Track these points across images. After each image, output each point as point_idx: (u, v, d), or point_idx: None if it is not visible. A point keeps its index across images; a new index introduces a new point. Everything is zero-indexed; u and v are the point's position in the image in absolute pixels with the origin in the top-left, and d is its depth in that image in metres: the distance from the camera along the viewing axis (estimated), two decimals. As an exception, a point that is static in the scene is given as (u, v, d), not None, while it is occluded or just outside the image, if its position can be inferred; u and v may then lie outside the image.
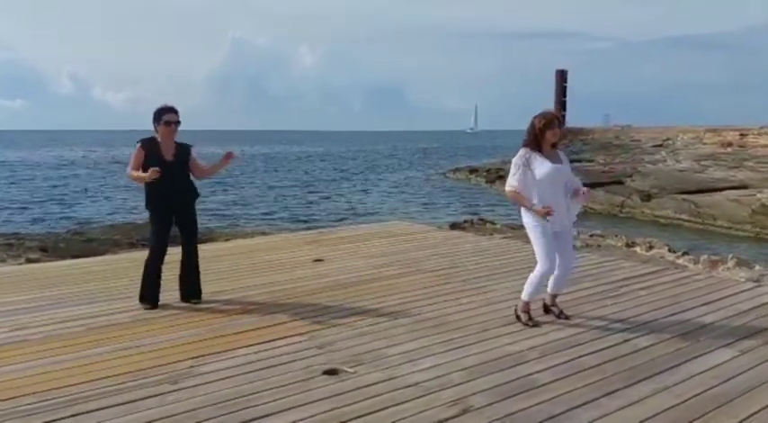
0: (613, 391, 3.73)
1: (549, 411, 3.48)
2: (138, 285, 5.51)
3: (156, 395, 3.69)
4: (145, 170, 5.20)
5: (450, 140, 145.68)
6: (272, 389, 3.78)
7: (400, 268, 6.91)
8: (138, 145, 5.37)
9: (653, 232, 15.99)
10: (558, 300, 5.31)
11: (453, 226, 15.04)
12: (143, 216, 5.49)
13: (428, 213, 23.03)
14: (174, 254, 5.63)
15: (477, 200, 27.28)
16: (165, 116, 5.35)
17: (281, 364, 4.16)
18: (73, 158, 65.26)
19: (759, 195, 18.12)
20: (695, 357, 4.28)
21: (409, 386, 3.80)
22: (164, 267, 5.54)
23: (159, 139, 5.40)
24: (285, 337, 4.68)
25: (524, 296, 5.03)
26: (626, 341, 4.59)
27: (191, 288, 5.61)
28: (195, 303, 5.52)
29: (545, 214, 4.70)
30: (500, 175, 32.94)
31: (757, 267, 9.55)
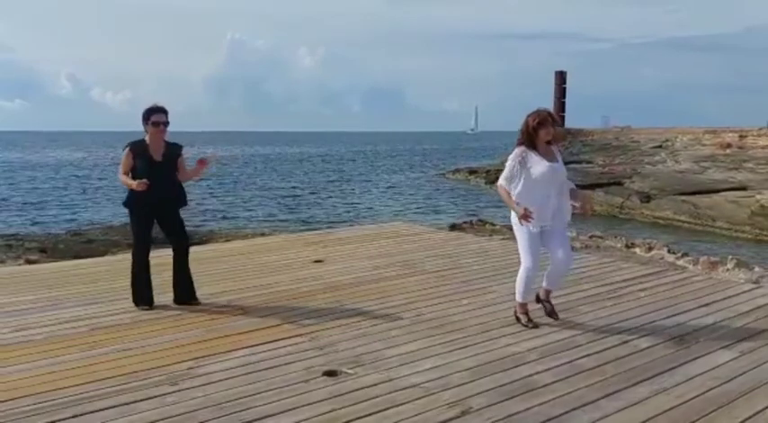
0: (613, 393, 3.74)
1: (548, 413, 3.48)
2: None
3: (155, 396, 3.70)
4: (134, 172, 5.29)
5: (451, 142, 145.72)
6: (271, 390, 3.78)
7: (400, 269, 6.92)
8: (127, 149, 5.39)
9: (652, 233, 16.00)
10: (558, 301, 5.31)
11: (453, 227, 15.04)
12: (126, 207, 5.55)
13: (428, 214, 23.04)
14: (166, 256, 5.64)
15: (477, 201, 27.27)
16: (154, 117, 5.33)
17: (280, 366, 4.17)
18: (72, 159, 65.24)
19: (758, 197, 18.11)
20: (695, 359, 4.29)
21: (409, 387, 3.81)
22: (161, 267, 5.54)
23: (148, 140, 5.39)
24: (285, 338, 4.68)
25: (517, 297, 5.03)
26: (625, 342, 4.60)
27: (184, 292, 5.56)
28: (194, 304, 5.51)
29: (522, 218, 4.70)
30: (499, 176, 32.92)
31: (756, 269, 9.55)
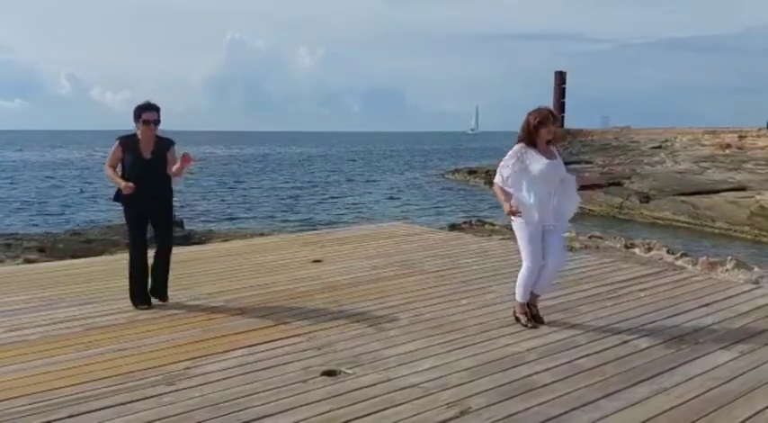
0: (612, 393, 3.72)
1: (548, 413, 3.46)
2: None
3: (152, 396, 3.67)
4: (122, 167, 5.30)
5: (452, 142, 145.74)
6: (269, 390, 3.76)
7: (399, 269, 6.90)
8: (117, 141, 5.37)
9: (652, 234, 16.00)
10: (558, 301, 5.29)
11: (452, 227, 15.04)
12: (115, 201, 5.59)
13: (427, 214, 23.03)
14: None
15: (476, 201, 27.27)
16: (145, 114, 5.28)
17: (278, 366, 4.14)
18: (71, 158, 65.21)
19: (758, 197, 18.10)
20: (694, 359, 4.27)
21: (408, 387, 3.79)
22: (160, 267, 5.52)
23: (140, 137, 5.35)
24: (283, 338, 4.66)
25: (518, 297, 4.99)
26: (625, 343, 4.58)
27: (157, 284, 5.51)
28: (162, 301, 5.47)
29: (509, 214, 4.70)
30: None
31: (756, 269, 9.54)
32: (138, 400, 3.62)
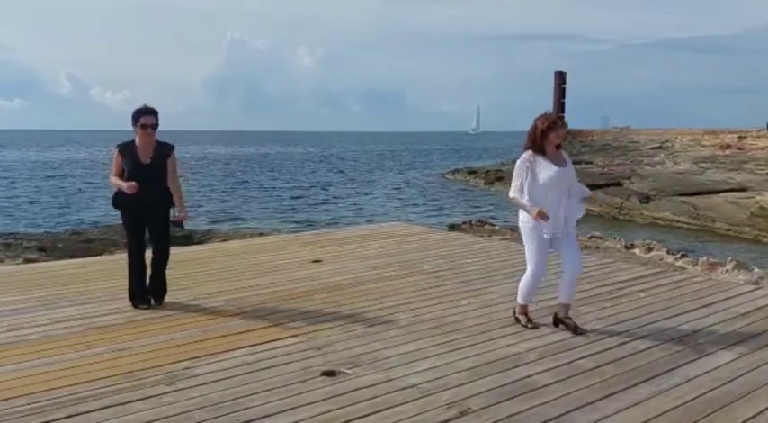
0: (612, 394, 3.71)
1: (547, 414, 3.46)
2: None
3: (151, 396, 3.67)
4: (123, 175, 5.24)
5: (453, 142, 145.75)
6: (269, 390, 3.75)
7: (398, 269, 6.89)
8: (116, 150, 5.34)
9: (652, 234, 16.00)
10: (555, 302, 5.23)
11: (452, 227, 15.03)
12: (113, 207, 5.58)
13: (427, 214, 23.04)
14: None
15: (476, 201, 27.28)
16: (142, 119, 5.24)
17: (278, 366, 4.14)
18: (71, 158, 65.22)
19: (758, 198, 18.11)
20: (694, 360, 4.26)
21: (407, 388, 3.78)
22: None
23: (138, 142, 5.31)
24: (282, 338, 4.66)
25: (519, 299, 4.96)
26: (624, 343, 4.57)
27: (155, 288, 5.49)
28: (157, 304, 5.44)
29: (537, 218, 4.58)
30: (499, 177, 32.99)
31: (756, 270, 9.54)
32: (137, 400, 3.61)
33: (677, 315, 5.27)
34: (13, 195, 28.84)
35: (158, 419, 3.40)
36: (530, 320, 4.94)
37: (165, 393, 3.71)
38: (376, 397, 3.66)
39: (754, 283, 7.59)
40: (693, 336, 4.76)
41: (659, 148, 35.16)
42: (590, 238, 12.83)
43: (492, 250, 8.14)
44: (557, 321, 4.90)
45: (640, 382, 3.88)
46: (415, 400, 3.62)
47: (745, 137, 30.70)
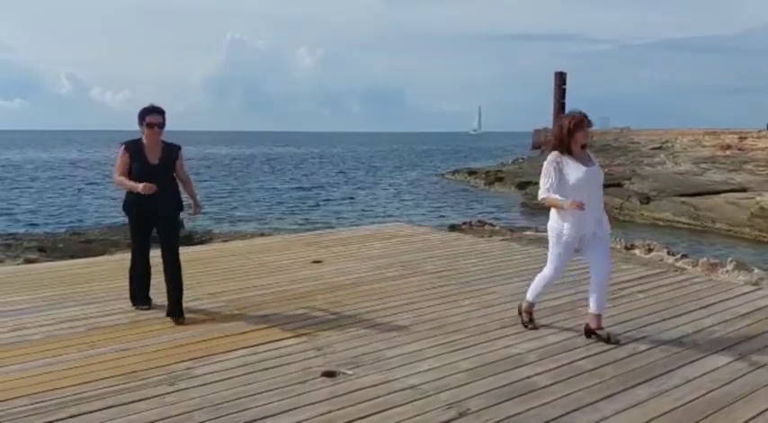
0: (611, 395, 3.73)
1: (546, 415, 3.48)
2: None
3: (154, 396, 3.69)
4: (130, 175, 5.06)
5: (455, 142, 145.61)
6: (270, 390, 3.77)
7: (399, 270, 6.91)
8: (122, 147, 5.15)
9: (652, 235, 16.00)
10: (557, 302, 5.26)
11: (452, 228, 15.04)
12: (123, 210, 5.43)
13: (427, 215, 23.05)
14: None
15: (477, 202, 27.29)
16: (148, 117, 5.09)
17: (279, 366, 4.16)
18: (72, 158, 65.25)
19: (758, 198, 18.12)
20: (693, 361, 4.28)
21: (407, 388, 3.80)
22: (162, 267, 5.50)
23: (144, 142, 5.16)
24: (284, 339, 4.68)
25: (529, 296, 4.95)
26: (624, 344, 4.59)
27: (173, 305, 5.18)
28: (179, 321, 5.07)
29: (577, 206, 4.37)
30: (499, 178, 33.00)
31: (756, 270, 9.55)
32: (140, 400, 3.64)
33: (677, 316, 5.29)
34: (13, 196, 28.86)
35: (161, 419, 3.42)
36: (531, 321, 4.93)
37: (167, 393, 3.73)
38: (376, 398, 3.68)
39: (754, 284, 7.60)
40: (693, 337, 4.78)
41: (659, 148, 35.18)
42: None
43: (493, 251, 8.16)
44: (588, 333, 4.71)
45: (640, 384, 3.90)
46: (415, 400, 3.64)
47: (745, 137, 30.71)
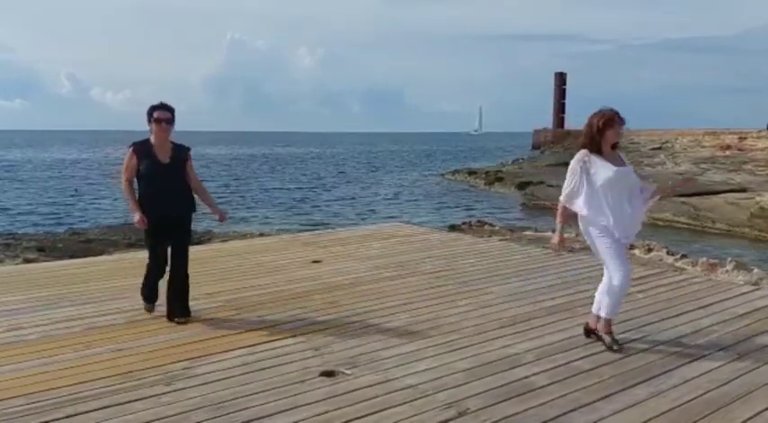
0: (609, 395, 3.72)
1: (544, 415, 3.47)
2: (137, 285, 5.41)
3: (150, 396, 3.68)
4: (138, 175, 4.94)
5: (455, 142, 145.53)
6: (267, 390, 3.76)
7: (398, 270, 6.90)
8: (130, 149, 4.99)
9: (651, 235, 15.98)
10: (556, 302, 5.23)
11: (452, 228, 15.04)
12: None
13: (427, 215, 23.04)
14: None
15: (476, 202, 27.28)
16: (156, 113, 4.93)
17: (277, 366, 4.15)
18: (71, 158, 65.25)
19: (758, 198, 18.11)
20: (692, 361, 4.27)
21: (405, 388, 3.79)
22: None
23: (153, 141, 5.00)
24: (282, 339, 4.67)
25: (604, 313, 4.47)
26: (623, 344, 4.57)
27: (178, 309, 5.11)
28: (180, 322, 5.03)
29: (557, 247, 4.38)
30: (499, 178, 33.00)
31: (755, 270, 9.54)
32: (136, 400, 3.62)
33: (676, 316, 5.28)
34: (12, 195, 28.85)
35: (157, 419, 3.41)
36: (615, 341, 4.46)
37: (164, 393, 3.72)
38: (374, 397, 3.67)
39: (753, 284, 7.59)
40: (691, 337, 4.76)
41: (659, 148, 35.17)
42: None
43: (492, 251, 8.15)
44: (589, 332, 4.64)
45: (638, 384, 3.89)
46: (413, 400, 3.63)
47: (745, 137, 30.71)
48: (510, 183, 30.75)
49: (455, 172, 41.08)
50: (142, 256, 5.57)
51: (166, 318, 5.11)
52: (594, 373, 4.06)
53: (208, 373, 4.03)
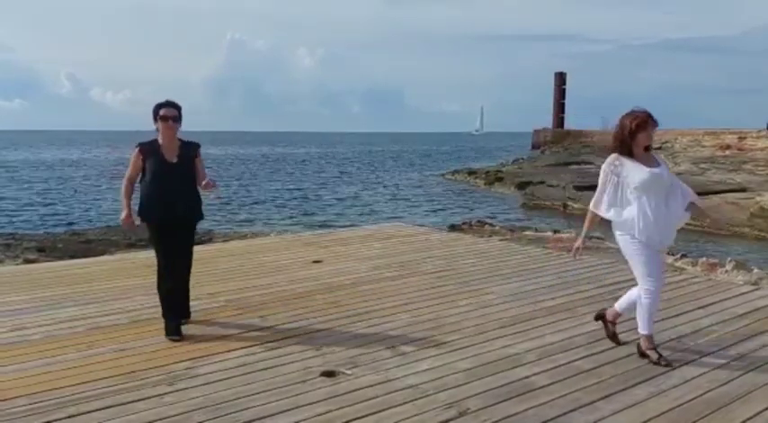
0: (610, 395, 3.74)
1: (545, 414, 3.48)
2: (140, 285, 5.42)
3: (153, 396, 3.70)
4: (144, 175, 4.79)
5: (455, 142, 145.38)
6: (269, 390, 3.78)
7: (398, 270, 6.91)
8: (136, 149, 4.84)
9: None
10: (556, 302, 5.22)
11: (452, 228, 15.06)
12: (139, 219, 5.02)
13: (427, 215, 23.04)
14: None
15: (477, 202, 27.29)
16: (162, 111, 4.76)
17: (278, 366, 4.16)
18: (71, 158, 65.25)
19: (758, 198, 18.13)
20: (691, 361, 4.28)
21: (406, 388, 3.81)
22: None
23: (160, 140, 4.83)
24: (283, 339, 4.68)
25: (642, 329, 4.30)
26: (623, 344, 4.58)
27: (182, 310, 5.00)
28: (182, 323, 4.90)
29: (573, 255, 4.25)
30: (498, 178, 33.00)
31: (755, 270, 9.56)
32: (138, 400, 3.64)
33: (675, 316, 5.29)
34: (12, 196, 28.86)
35: (159, 419, 3.42)
36: (661, 356, 4.23)
37: (166, 393, 3.74)
38: (375, 397, 3.68)
39: (753, 284, 7.61)
40: (691, 336, 4.78)
41: (659, 148, 35.15)
42: (590, 238, 12.83)
43: (492, 251, 8.16)
44: (599, 317, 4.62)
45: (638, 383, 3.90)
46: (414, 400, 3.65)
47: (744, 137, 30.72)
48: (510, 183, 30.76)
49: (455, 172, 41.09)
50: (144, 256, 5.59)
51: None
52: (595, 372, 4.08)
53: (210, 373, 4.05)
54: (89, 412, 3.49)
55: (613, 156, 4.21)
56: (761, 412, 3.53)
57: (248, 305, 5.56)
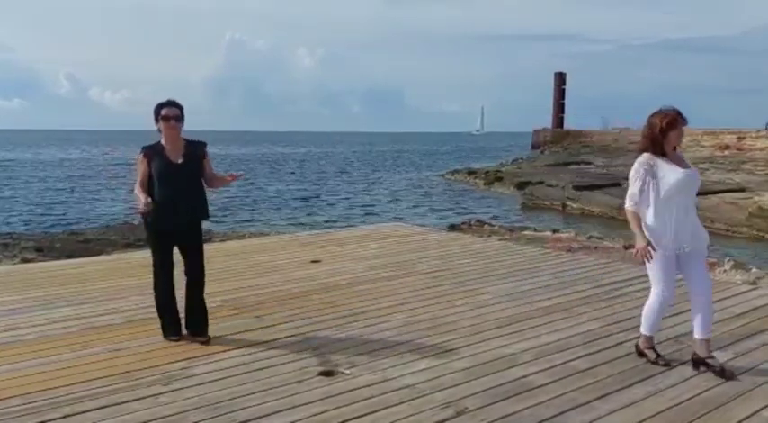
0: (606, 394, 3.72)
1: (541, 414, 3.47)
2: (135, 285, 5.40)
3: (148, 396, 3.68)
4: (150, 179, 4.56)
5: (455, 142, 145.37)
6: (265, 390, 3.76)
7: (396, 270, 6.90)
8: (140, 154, 4.61)
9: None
10: (554, 302, 5.20)
11: (451, 228, 15.05)
12: (140, 216, 4.87)
13: (426, 215, 23.03)
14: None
15: (476, 202, 27.28)
16: (164, 111, 4.56)
17: (274, 366, 4.15)
18: (70, 158, 65.22)
19: (756, 198, 18.13)
20: (689, 360, 4.26)
21: (402, 388, 3.79)
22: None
23: (164, 141, 4.63)
24: (279, 339, 4.66)
25: (643, 329, 4.30)
26: (619, 344, 4.58)
27: (195, 324, 4.74)
28: (200, 340, 4.64)
29: (640, 255, 4.01)
30: (498, 178, 33.00)
31: (753, 270, 9.56)
32: (133, 400, 3.62)
33: (674, 315, 5.25)
34: (10, 195, 28.83)
35: (154, 419, 3.41)
36: (659, 356, 4.25)
37: (161, 393, 3.72)
38: (372, 397, 3.67)
39: (751, 284, 7.60)
40: (689, 336, 4.74)
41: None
42: (588, 237, 12.85)
43: (488, 251, 8.15)
44: (697, 363, 4.15)
45: (635, 383, 3.89)
46: (411, 400, 3.63)
47: (744, 137, 30.75)
48: (509, 183, 30.75)
49: (455, 172, 41.08)
50: (140, 256, 5.57)
51: (185, 328, 4.77)
52: (591, 372, 4.06)
53: (205, 373, 4.03)
54: (84, 412, 3.47)
55: (647, 155, 4.08)
56: (758, 411, 3.52)
57: (244, 305, 5.54)
